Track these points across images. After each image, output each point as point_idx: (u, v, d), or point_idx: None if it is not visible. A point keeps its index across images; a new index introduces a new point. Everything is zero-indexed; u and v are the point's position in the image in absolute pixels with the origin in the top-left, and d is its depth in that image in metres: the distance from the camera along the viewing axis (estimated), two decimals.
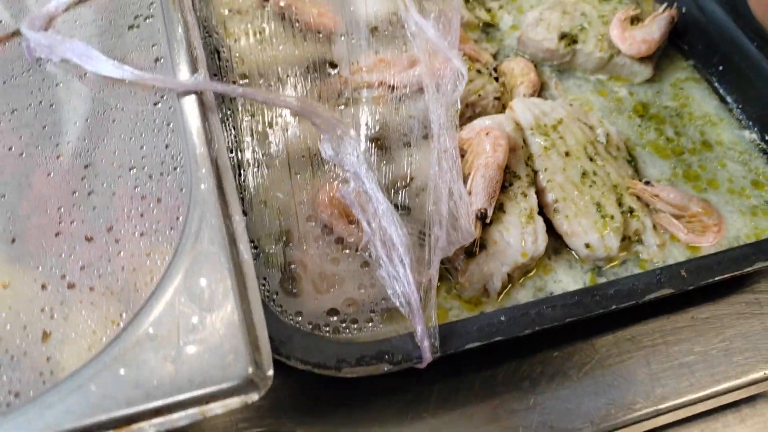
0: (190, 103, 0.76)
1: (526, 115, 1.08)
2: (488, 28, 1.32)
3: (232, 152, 0.98)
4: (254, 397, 0.60)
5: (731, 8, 1.23)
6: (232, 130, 1.00)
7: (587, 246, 0.98)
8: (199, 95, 0.78)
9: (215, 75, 1.06)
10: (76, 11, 0.88)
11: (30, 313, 0.64)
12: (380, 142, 1.02)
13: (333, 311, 0.86)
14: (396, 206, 0.96)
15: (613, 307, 0.87)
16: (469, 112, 1.13)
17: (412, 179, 1.00)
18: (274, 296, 0.86)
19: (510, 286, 0.98)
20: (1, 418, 0.56)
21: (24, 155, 0.74)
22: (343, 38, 1.15)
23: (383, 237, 0.81)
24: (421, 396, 0.89)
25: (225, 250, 0.65)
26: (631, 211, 1.03)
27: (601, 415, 0.90)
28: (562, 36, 1.22)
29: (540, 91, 1.22)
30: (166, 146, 0.73)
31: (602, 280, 1.01)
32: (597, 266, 1.02)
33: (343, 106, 1.06)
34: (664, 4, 1.29)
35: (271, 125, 1.01)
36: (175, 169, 0.71)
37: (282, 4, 1.15)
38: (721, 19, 1.23)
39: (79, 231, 0.68)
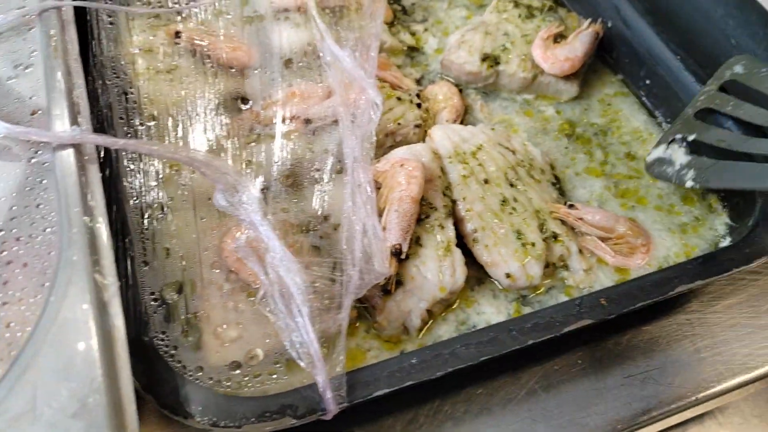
0: (66, 158, 0.73)
1: (444, 143, 1.06)
2: (413, 52, 1.30)
3: (136, 198, 0.95)
4: None
5: (654, 21, 1.22)
6: (137, 175, 0.96)
7: (508, 276, 0.96)
8: (78, 148, 0.74)
9: (122, 118, 1.03)
10: None
11: None
12: (292, 179, 0.99)
13: (236, 364, 0.82)
14: (310, 246, 0.93)
15: (530, 342, 0.84)
16: (389, 141, 1.10)
17: (326, 217, 0.97)
18: (173, 351, 0.82)
19: (431, 321, 0.95)
20: None
21: None
22: (256, 72, 1.12)
23: (281, 287, 0.78)
24: None
25: (93, 317, 0.62)
26: (555, 236, 1.00)
27: None
28: (485, 58, 1.20)
29: (465, 114, 1.20)
30: (38, 205, 0.70)
31: (527, 309, 0.98)
32: (522, 295, 0.99)
33: (254, 143, 1.03)
34: (588, 20, 1.27)
35: (177, 167, 0.98)
36: (44, 230, 0.68)
37: (195, 40, 1.12)
38: (645, 32, 1.22)
39: None
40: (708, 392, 0.95)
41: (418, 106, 1.15)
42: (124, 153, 0.95)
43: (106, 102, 1.02)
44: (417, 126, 1.11)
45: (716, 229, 1.08)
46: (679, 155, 1.00)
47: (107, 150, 0.91)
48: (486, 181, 1.02)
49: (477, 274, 1.00)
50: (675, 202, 1.11)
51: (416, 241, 0.95)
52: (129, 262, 0.86)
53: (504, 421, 0.90)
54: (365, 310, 0.94)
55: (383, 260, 0.88)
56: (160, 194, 0.95)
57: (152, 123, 1.03)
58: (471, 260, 0.99)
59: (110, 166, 0.93)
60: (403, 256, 0.92)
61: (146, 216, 0.93)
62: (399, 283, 0.92)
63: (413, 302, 0.92)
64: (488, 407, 0.91)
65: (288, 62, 1.12)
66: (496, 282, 0.99)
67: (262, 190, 0.96)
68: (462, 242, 0.99)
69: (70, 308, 0.62)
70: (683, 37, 1.20)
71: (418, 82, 1.25)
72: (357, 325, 0.94)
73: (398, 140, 1.11)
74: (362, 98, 1.03)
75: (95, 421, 0.56)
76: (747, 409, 1.21)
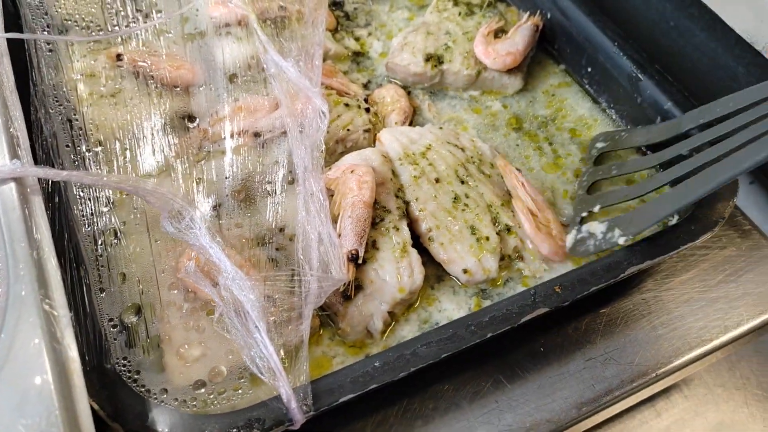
0: (8, 192, 0.72)
1: (393, 145, 1.07)
2: (359, 57, 1.30)
3: (88, 225, 0.94)
4: None
5: (590, 10, 1.24)
6: (87, 201, 0.96)
7: (465, 271, 0.97)
8: (19, 181, 0.74)
9: (68, 146, 1.02)
10: None
11: None
12: (244, 194, 0.99)
13: (200, 383, 0.83)
14: (267, 259, 0.94)
15: (489, 335, 0.86)
16: (340, 148, 1.11)
17: (281, 228, 0.97)
18: (136, 376, 0.82)
19: (394, 323, 0.96)
20: None
21: None
22: (201, 89, 1.12)
23: (236, 306, 0.78)
24: None
25: (46, 351, 0.61)
26: (508, 228, 1.02)
27: None
28: (428, 58, 1.21)
29: (414, 115, 1.21)
30: None
31: (487, 302, 0.99)
32: (481, 289, 1.00)
33: (204, 161, 1.03)
34: (527, 13, 1.29)
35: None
36: None
37: (137, 61, 1.12)
38: (582, 21, 1.24)
39: None
40: (667, 367, 0.97)
41: (367, 110, 1.16)
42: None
43: (51, 131, 1.01)
44: (366, 131, 1.12)
45: None
46: (595, 227, 1.01)
47: None
48: (437, 180, 1.03)
49: (436, 271, 1.01)
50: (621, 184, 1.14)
51: (372, 245, 0.96)
52: (84, 290, 0.85)
53: (472, 414, 0.91)
54: (328, 317, 0.95)
55: (340, 267, 0.89)
56: (113, 219, 0.95)
57: (99, 148, 1.02)
58: (429, 259, 1.00)
59: (59, 194, 0.93)
60: (360, 261, 0.93)
61: (100, 242, 0.93)
62: (358, 288, 0.93)
63: (374, 305, 0.93)
64: (456, 402, 0.92)
65: (233, 77, 1.13)
66: (454, 278, 1.00)
67: (215, 207, 0.97)
68: (418, 242, 1.01)
69: (22, 344, 0.62)
70: (621, 24, 1.23)
71: (366, 86, 1.26)
72: (321, 333, 0.95)
73: (349, 146, 1.12)
74: (309, 108, 1.03)
75: None
76: (710, 380, 1.24)
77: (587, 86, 1.27)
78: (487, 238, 0.99)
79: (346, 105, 1.14)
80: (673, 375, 1.00)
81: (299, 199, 0.94)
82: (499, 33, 1.26)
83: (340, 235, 0.94)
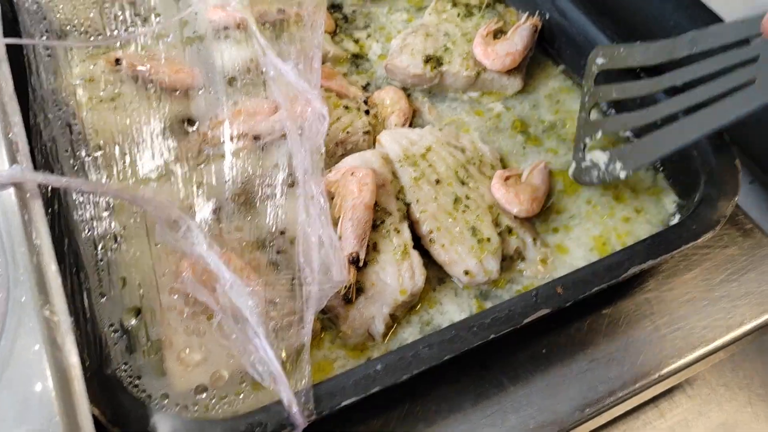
0: (7, 198, 0.72)
1: (393, 147, 1.07)
2: (358, 59, 1.30)
3: (88, 230, 0.94)
4: None
5: (589, 11, 1.24)
6: (87, 206, 0.95)
7: (466, 273, 0.97)
8: (19, 186, 0.74)
9: (67, 151, 1.02)
10: None
11: None
12: (244, 197, 0.99)
13: (202, 388, 0.82)
14: (268, 263, 0.93)
15: (492, 337, 0.85)
16: (340, 150, 1.11)
17: (282, 231, 0.97)
18: (137, 381, 0.81)
19: (395, 325, 0.96)
20: None
21: None
22: (200, 93, 1.11)
23: (234, 312, 0.78)
24: None
25: (47, 357, 0.61)
26: (510, 229, 1.02)
27: None
28: (427, 59, 1.21)
29: (414, 117, 1.21)
30: None
31: (489, 303, 0.99)
32: (482, 291, 1.00)
33: (203, 164, 1.02)
34: (526, 14, 1.29)
35: None
36: None
37: (136, 65, 1.12)
38: (581, 21, 1.24)
39: None
40: (670, 368, 0.97)
41: (366, 112, 1.16)
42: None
43: (50, 136, 1.01)
44: (366, 133, 1.12)
45: (666, 207, 1.10)
46: (598, 156, 1.03)
47: None
48: (437, 182, 1.03)
49: (437, 273, 1.01)
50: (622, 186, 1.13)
51: (373, 247, 0.96)
52: (85, 295, 0.85)
53: (475, 416, 0.91)
54: (329, 320, 0.95)
55: (341, 269, 0.89)
56: (113, 224, 0.95)
57: (99, 153, 1.02)
58: (430, 260, 1.00)
59: (59, 199, 0.92)
60: (361, 264, 0.93)
61: (100, 247, 0.92)
62: (360, 290, 0.93)
63: (376, 308, 0.93)
64: (459, 404, 0.92)
65: (232, 80, 1.12)
66: (455, 280, 1.00)
67: (215, 210, 0.96)
68: (419, 244, 1.00)
69: (22, 350, 0.61)
70: (620, 23, 1.23)
71: (365, 88, 1.25)
72: (322, 336, 0.94)
73: (349, 148, 1.11)
74: (309, 110, 1.03)
75: None
76: (713, 380, 1.24)
77: None
78: (489, 240, 0.99)
79: (346, 107, 1.14)
80: (677, 375, 0.99)
81: (299, 202, 0.94)
82: (498, 34, 1.26)
83: (340, 238, 0.94)
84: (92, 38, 1.16)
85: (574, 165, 1.07)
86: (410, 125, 1.18)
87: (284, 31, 1.19)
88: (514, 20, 1.31)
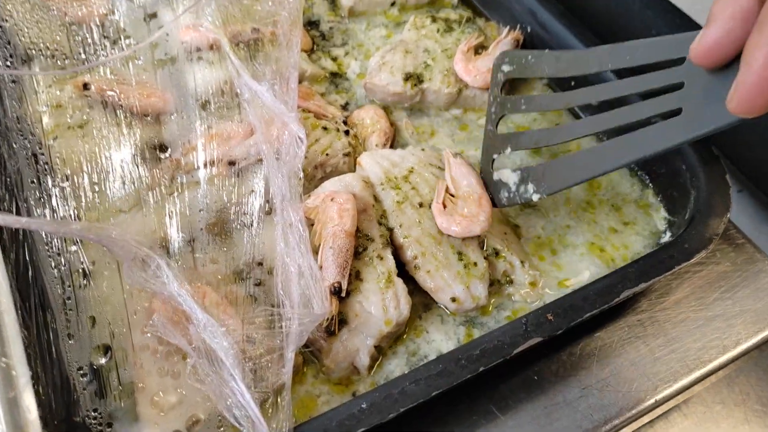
0: None
1: (374, 169, 1.03)
2: (336, 78, 1.27)
3: (55, 266, 0.89)
4: None
5: (570, 22, 1.22)
6: (54, 240, 0.91)
7: (454, 300, 0.93)
8: None
9: (33, 182, 0.97)
10: None
11: None
12: (219, 227, 0.95)
13: None
14: (246, 296, 0.89)
15: (481, 369, 0.82)
16: (319, 174, 1.07)
17: (259, 262, 0.93)
18: (108, 429, 0.77)
19: (381, 357, 0.92)
20: None
21: None
22: (173, 117, 1.07)
23: (209, 354, 0.74)
24: None
25: (3, 416, 0.56)
26: (497, 252, 0.99)
27: None
28: (407, 77, 1.18)
29: (395, 136, 1.17)
30: None
31: (477, 330, 0.96)
32: (470, 317, 0.97)
33: (176, 192, 0.98)
34: (507, 28, 1.26)
35: None
36: None
37: (105, 90, 1.07)
38: (563, 35, 1.21)
39: None
40: (666, 393, 0.94)
41: (346, 133, 1.12)
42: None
43: (15, 167, 0.96)
44: (346, 155, 1.09)
45: (655, 224, 1.07)
46: (507, 175, 0.97)
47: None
48: (421, 205, 0.99)
49: (423, 300, 0.97)
50: (615, 200, 1.10)
51: (356, 276, 0.92)
52: (52, 337, 0.81)
53: None
54: (311, 354, 0.91)
55: (323, 301, 0.85)
56: (81, 258, 0.90)
57: (66, 183, 0.98)
58: (415, 287, 0.96)
59: (24, 232, 0.88)
60: (343, 294, 0.89)
61: (67, 284, 0.88)
62: (343, 322, 0.89)
63: (359, 340, 0.89)
64: None
65: (205, 104, 1.08)
66: (442, 306, 0.96)
67: (189, 241, 0.92)
68: (404, 270, 0.96)
69: None
70: (602, 35, 1.20)
71: (345, 107, 1.22)
72: (305, 370, 0.90)
73: (328, 171, 1.08)
74: (285, 133, 0.99)
75: None
76: (709, 397, 1.20)
77: None
78: (475, 264, 0.95)
79: (324, 128, 1.10)
80: (674, 399, 0.96)
81: (277, 231, 0.90)
82: (479, 49, 1.23)
83: (321, 267, 0.90)
84: (59, 62, 1.11)
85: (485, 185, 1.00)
86: (392, 145, 1.15)
87: (259, 51, 1.14)
88: (495, 35, 1.28)
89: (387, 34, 1.34)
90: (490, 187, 1.00)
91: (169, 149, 1.04)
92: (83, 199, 0.97)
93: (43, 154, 1.01)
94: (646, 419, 0.99)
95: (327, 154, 1.07)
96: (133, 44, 1.15)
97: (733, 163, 1.26)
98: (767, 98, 0.60)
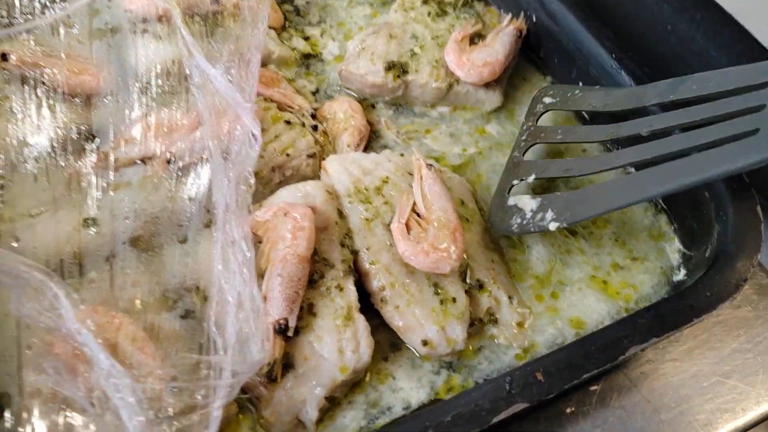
0: None
1: (342, 178, 0.87)
2: (309, 59, 1.10)
3: None
4: None
5: (583, 14, 1.05)
6: None
7: (425, 343, 0.78)
8: None
9: None
10: None
11: None
12: (145, 242, 0.79)
13: None
14: (170, 330, 0.73)
15: None
16: (277, 177, 0.91)
17: (191, 288, 0.77)
18: None
19: (332, 407, 0.76)
20: None
21: None
22: (107, 100, 0.91)
23: (111, 413, 0.58)
24: None
25: None
26: (481, 285, 0.83)
27: None
28: (390, 66, 1.01)
29: (371, 135, 1.01)
30: None
31: (455, 376, 0.81)
32: (446, 362, 0.81)
33: (99, 194, 0.81)
34: (509, 15, 1.09)
35: None
36: None
37: (27, 63, 0.90)
38: (574, 27, 1.05)
39: None
40: None
41: (314, 128, 0.96)
42: None
43: None
44: (310, 156, 0.92)
45: (668, 257, 0.92)
46: (525, 201, 0.87)
47: None
48: None
49: (390, 338, 0.83)
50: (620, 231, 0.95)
51: (308, 310, 0.77)
52: None
53: None
54: (248, 401, 0.75)
55: (263, 342, 0.69)
56: None
57: None
58: (381, 321, 0.81)
59: None
60: (290, 333, 0.73)
61: None
62: (288, 366, 0.74)
63: (307, 389, 0.73)
64: None
65: (146, 86, 0.92)
66: (412, 349, 0.81)
67: (107, 258, 0.76)
68: (368, 302, 0.81)
69: None
70: (617, 31, 1.04)
71: (314, 95, 1.05)
72: (240, 419, 0.75)
73: (288, 174, 0.92)
74: (237, 128, 0.83)
75: None
76: None
77: None
78: (454, 300, 0.80)
79: (288, 122, 0.94)
80: None
81: (216, 249, 0.75)
82: (475, 38, 1.06)
83: (265, 299, 0.74)
84: None
85: (494, 210, 0.90)
86: (366, 147, 0.98)
87: (218, 27, 0.98)
88: (494, 22, 1.11)
89: (372, 13, 1.17)
90: (500, 211, 0.90)
91: (98, 139, 0.87)
92: None
93: None
94: None
95: (288, 154, 0.91)
96: (68, 8, 0.97)
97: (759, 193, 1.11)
98: None
